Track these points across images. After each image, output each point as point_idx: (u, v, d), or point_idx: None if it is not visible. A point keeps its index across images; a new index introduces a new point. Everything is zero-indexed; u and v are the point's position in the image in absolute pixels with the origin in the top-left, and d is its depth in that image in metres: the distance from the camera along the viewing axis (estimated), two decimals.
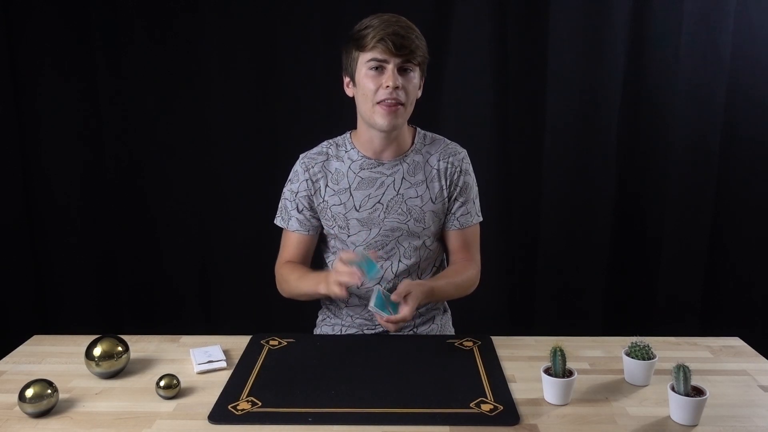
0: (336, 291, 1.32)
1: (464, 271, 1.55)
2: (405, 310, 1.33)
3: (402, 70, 1.39)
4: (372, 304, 1.34)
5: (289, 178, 1.57)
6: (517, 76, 2.26)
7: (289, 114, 2.26)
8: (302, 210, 1.55)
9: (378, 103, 1.40)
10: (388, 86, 1.38)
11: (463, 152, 1.57)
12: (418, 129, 1.57)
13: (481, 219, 1.60)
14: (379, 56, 1.38)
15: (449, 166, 1.53)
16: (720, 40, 2.19)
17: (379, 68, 1.39)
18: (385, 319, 1.33)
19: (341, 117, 1.62)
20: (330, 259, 1.62)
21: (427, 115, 1.99)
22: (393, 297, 1.34)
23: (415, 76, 1.43)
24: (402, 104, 1.40)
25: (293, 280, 1.52)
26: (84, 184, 2.31)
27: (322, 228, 1.58)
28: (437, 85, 2.17)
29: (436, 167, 1.53)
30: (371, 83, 1.40)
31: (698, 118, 2.25)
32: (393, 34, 1.36)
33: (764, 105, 2.24)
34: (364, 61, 1.40)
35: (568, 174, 2.31)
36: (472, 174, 1.58)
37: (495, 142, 2.29)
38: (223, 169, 2.30)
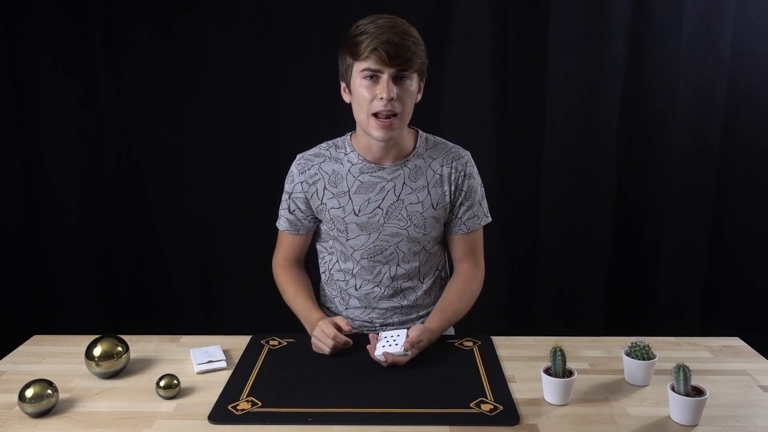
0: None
1: (465, 291, 1.54)
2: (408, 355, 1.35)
3: (398, 78, 1.35)
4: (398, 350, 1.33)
5: (286, 178, 1.56)
6: (517, 75, 2.25)
7: (290, 114, 2.26)
8: (293, 210, 1.54)
9: (373, 114, 1.37)
10: (382, 98, 1.34)
11: (467, 155, 1.53)
12: (420, 132, 1.53)
13: (489, 219, 1.57)
14: (373, 66, 1.33)
15: (453, 171, 1.50)
16: (720, 40, 2.18)
17: (374, 77, 1.35)
18: (383, 353, 1.32)
19: (341, 117, 1.61)
20: (326, 260, 1.60)
21: (427, 115, 1.99)
22: (405, 345, 1.33)
23: (412, 83, 1.38)
24: (397, 115, 1.37)
25: (288, 294, 1.56)
26: (84, 184, 2.31)
27: (318, 228, 1.58)
28: (437, 86, 2.16)
29: (439, 172, 1.49)
30: (366, 93, 1.36)
31: (698, 118, 2.24)
32: (387, 42, 1.30)
33: (764, 105, 2.24)
34: (358, 70, 1.36)
35: (568, 174, 2.31)
36: (477, 176, 1.55)
37: (495, 142, 2.29)
38: (224, 169, 2.30)
